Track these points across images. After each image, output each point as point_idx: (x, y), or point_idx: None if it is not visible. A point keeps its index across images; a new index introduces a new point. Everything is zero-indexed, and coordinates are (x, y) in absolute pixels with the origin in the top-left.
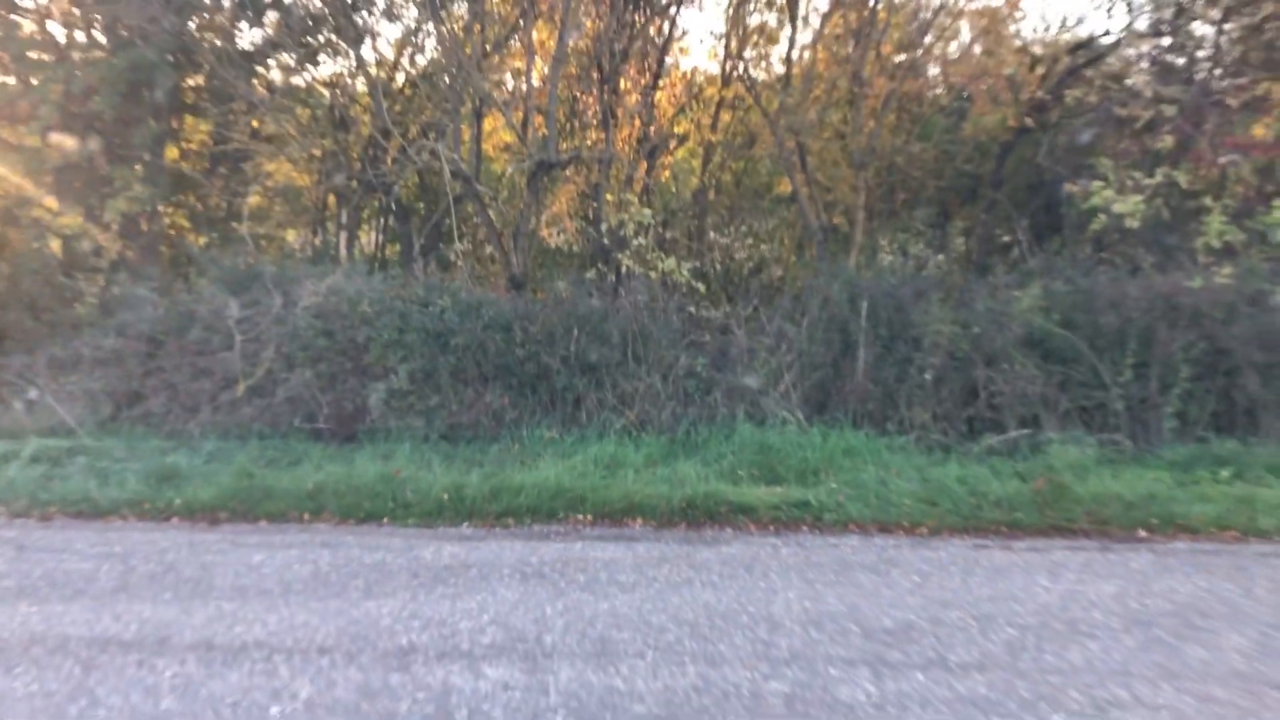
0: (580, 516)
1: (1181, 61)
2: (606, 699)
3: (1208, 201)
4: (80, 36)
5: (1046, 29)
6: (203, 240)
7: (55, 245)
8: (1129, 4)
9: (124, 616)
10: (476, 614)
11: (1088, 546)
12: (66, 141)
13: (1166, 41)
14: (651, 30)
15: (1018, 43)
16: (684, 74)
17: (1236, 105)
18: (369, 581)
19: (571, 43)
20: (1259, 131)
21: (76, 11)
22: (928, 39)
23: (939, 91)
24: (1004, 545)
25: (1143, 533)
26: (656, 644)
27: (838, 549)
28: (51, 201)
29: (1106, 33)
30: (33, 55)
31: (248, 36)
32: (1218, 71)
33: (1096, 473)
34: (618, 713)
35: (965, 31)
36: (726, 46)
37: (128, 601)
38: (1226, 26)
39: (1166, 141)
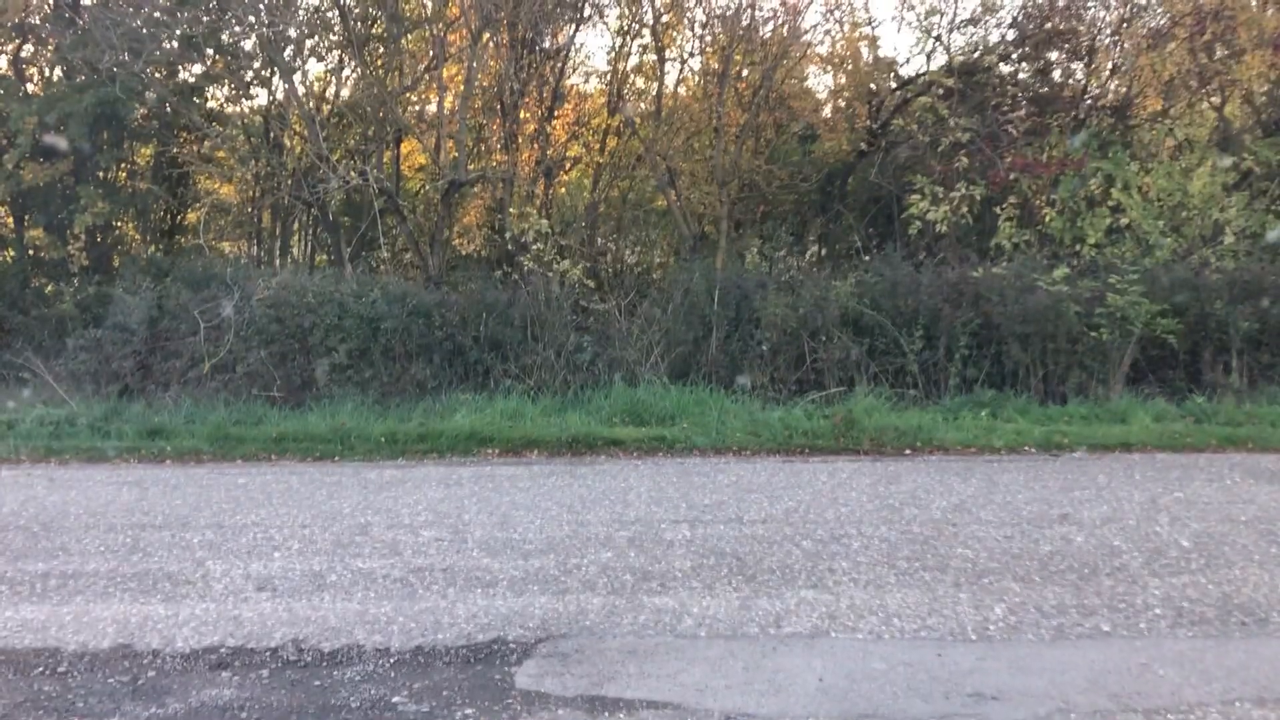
0: (489, 451)
1: (986, 95)
2: (507, 543)
3: (997, 210)
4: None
5: (876, 70)
6: (152, 249)
7: (8, 254)
8: (946, 48)
9: (151, 512)
10: (413, 505)
11: (864, 460)
12: (40, 166)
13: (976, 78)
14: (545, 69)
15: (854, 80)
16: (574, 105)
17: (1018, 134)
18: (330, 491)
19: (477, 79)
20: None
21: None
22: (778, 79)
23: (790, 122)
24: (804, 460)
25: (908, 451)
26: (543, 516)
27: (683, 465)
28: (9, 218)
29: (925, 72)
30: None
31: (190, 70)
32: (1005, 106)
33: (884, 413)
34: (514, 549)
35: (811, 73)
36: (610, 84)
37: (150, 505)
38: (1022, 66)
39: (964, 162)
